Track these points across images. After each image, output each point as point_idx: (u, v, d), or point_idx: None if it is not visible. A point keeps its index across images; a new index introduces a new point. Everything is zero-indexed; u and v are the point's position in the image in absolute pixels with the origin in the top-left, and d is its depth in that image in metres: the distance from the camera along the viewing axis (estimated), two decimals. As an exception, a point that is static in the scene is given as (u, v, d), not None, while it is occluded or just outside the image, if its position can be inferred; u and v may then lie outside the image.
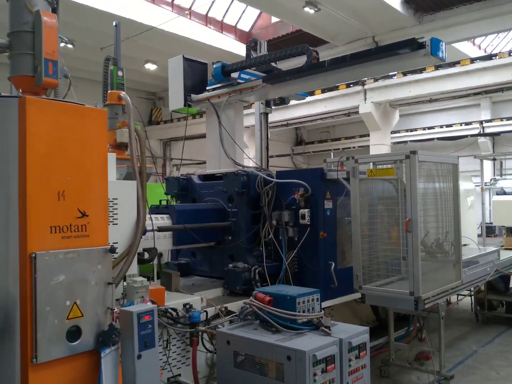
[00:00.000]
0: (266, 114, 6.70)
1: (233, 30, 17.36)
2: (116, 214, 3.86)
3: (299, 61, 5.75)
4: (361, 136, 20.35)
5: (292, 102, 18.05)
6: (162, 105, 22.44)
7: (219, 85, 6.06)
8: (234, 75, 5.88)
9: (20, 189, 2.49)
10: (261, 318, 3.91)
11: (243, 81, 5.83)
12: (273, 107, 6.83)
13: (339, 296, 5.43)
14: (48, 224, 2.54)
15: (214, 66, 5.95)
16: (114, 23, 6.31)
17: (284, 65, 6.52)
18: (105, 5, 13.28)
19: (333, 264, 5.27)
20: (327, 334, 3.68)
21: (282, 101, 6.80)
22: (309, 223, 5.23)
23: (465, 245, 6.42)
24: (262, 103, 6.62)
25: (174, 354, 4.20)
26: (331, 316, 5.51)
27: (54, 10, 2.97)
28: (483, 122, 18.44)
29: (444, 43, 4.58)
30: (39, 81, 2.73)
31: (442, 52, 4.55)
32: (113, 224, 3.77)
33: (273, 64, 6.06)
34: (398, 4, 14.00)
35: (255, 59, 5.82)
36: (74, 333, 2.65)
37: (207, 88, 6.23)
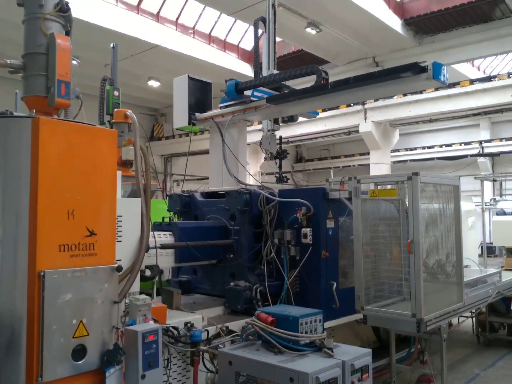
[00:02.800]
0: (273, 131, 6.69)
1: (235, 49, 17.62)
2: (121, 231, 3.86)
3: (304, 79, 5.91)
4: (361, 154, 20.47)
5: (293, 120, 18.15)
6: (164, 121, 22.63)
7: (231, 102, 6.07)
8: (247, 92, 5.90)
9: (30, 208, 2.52)
10: (263, 339, 3.90)
11: (256, 99, 5.83)
12: (281, 124, 6.81)
13: (340, 317, 5.41)
14: (57, 243, 2.57)
15: (227, 83, 5.98)
16: (111, 45, 6.50)
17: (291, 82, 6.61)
18: (110, 23, 13.51)
19: (335, 284, 5.27)
20: (329, 356, 3.67)
21: (291, 119, 6.82)
22: (311, 242, 5.25)
23: (466, 266, 6.42)
24: (270, 120, 6.61)
25: (174, 373, 4.17)
26: (332, 336, 5.49)
27: (68, 33, 3.05)
28: (483, 142, 18.58)
29: (445, 67, 4.67)
30: (52, 101, 2.79)
31: (444, 76, 4.64)
32: (117, 241, 3.78)
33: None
34: (399, 26, 14.26)
35: (267, 78, 5.84)
36: (79, 352, 2.65)
37: (219, 105, 6.25)
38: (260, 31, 6.77)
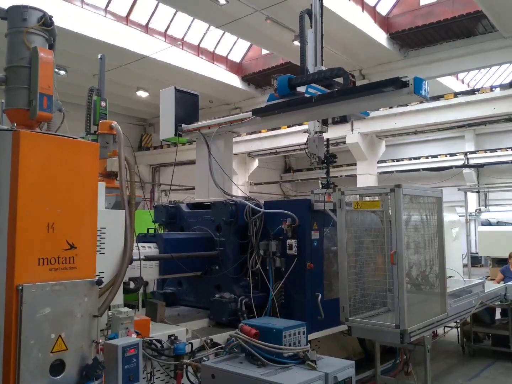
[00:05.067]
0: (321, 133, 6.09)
1: (224, 60, 17.75)
2: (104, 243, 3.86)
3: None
4: (348, 165, 20.65)
5: (281, 131, 18.34)
6: (153, 131, 22.63)
7: (280, 100, 5.53)
8: (300, 89, 5.40)
9: (10, 221, 2.51)
10: (247, 351, 3.88)
11: (309, 95, 5.27)
12: (330, 125, 6.26)
13: (326, 328, 5.42)
14: (36, 256, 2.56)
15: (278, 79, 5.46)
16: (99, 56, 6.48)
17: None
18: (99, 33, 13.55)
19: (320, 295, 5.28)
20: (313, 368, 3.66)
21: (343, 119, 6.19)
22: (296, 253, 5.26)
23: (450, 277, 6.49)
24: (318, 121, 6.07)
25: (158, 387, 4.13)
26: (318, 348, 5.50)
27: (51, 46, 3.06)
28: (468, 153, 18.89)
29: (427, 82, 4.76)
30: (34, 114, 2.79)
31: (425, 90, 4.72)
32: (100, 253, 3.76)
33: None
34: (384, 40, 14.52)
35: (317, 74, 5.40)
36: (57, 367, 2.62)
37: (266, 103, 5.69)
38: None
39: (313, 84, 5.31)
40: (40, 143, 2.59)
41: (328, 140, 6.15)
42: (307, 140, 6.14)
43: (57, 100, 3.04)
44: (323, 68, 5.71)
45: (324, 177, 5.92)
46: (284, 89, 5.39)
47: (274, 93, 5.52)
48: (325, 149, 6.04)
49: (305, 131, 6.37)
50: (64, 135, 2.76)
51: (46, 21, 2.99)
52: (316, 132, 6.07)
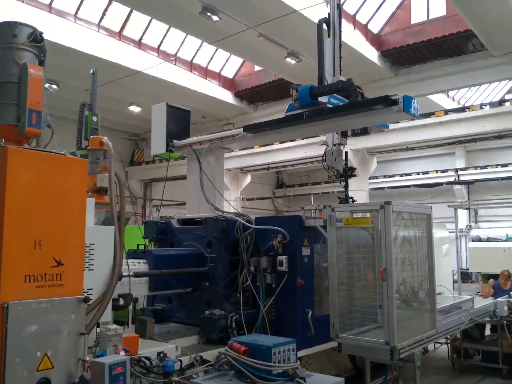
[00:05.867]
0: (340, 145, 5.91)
1: (217, 76, 17.89)
2: (92, 259, 3.83)
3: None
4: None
5: (274, 146, 18.39)
6: (145, 146, 22.61)
7: (300, 110, 5.31)
8: (322, 99, 5.23)
9: (-4, 237, 2.49)
10: (236, 369, 3.84)
11: (331, 106, 5.14)
12: (350, 136, 6.07)
13: (316, 345, 5.39)
14: (22, 273, 2.53)
15: (299, 88, 5.28)
16: (91, 71, 6.49)
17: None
18: (92, 48, 13.63)
19: (310, 312, 5.26)
20: (302, 385, 3.64)
21: (364, 131, 6.01)
22: (286, 270, 5.26)
23: (440, 293, 6.50)
24: (337, 133, 5.87)
25: (146, 405, 4.06)
26: (309, 364, 5.45)
27: (41, 63, 3.08)
28: (458, 170, 19.08)
29: (416, 100, 4.84)
30: (22, 130, 2.79)
31: (414, 108, 4.80)
32: (88, 270, 3.73)
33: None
34: (376, 57, 14.74)
35: (337, 84, 5.28)
36: (43, 386, 2.58)
37: (285, 114, 5.48)
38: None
39: (335, 94, 5.18)
40: (28, 160, 2.59)
41: (346, 153, 5.97)
42: (324, 153, 5.94)
43: (46, 116, 3.04)
44: (342, 78, 5.56)
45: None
46: (305, 98, 5.20)
47: (293, 103, 5.32)
48: (343, 162, 5.83)
49: (323, 143, 6.15)
50: (53, 151, 2.76)
51: (36, 37, 3.01)
52: (334, 145, 5.88)
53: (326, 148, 5.99)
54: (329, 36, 5.86)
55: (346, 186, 5.97)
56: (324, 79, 5.54)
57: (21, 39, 2.98)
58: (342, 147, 5.87)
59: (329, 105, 5.12)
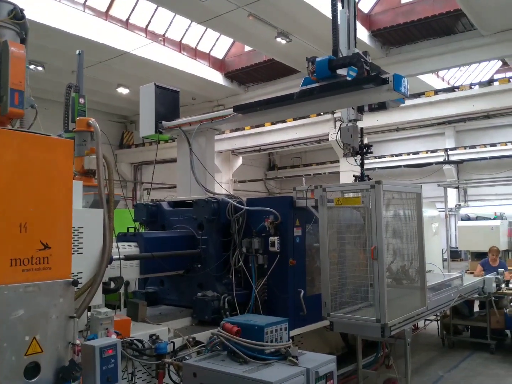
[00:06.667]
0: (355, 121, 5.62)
1: (207, 57, 17.62)
2: (82, 243, 3.79)
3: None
4: (331, 162, 20.75)
5: (265, 128, 18.30)
6: (134, 128, 22.37)
7: (316, 84, 4.99)
8: (341, 71, 4.90)
9: (-20, 221, 2.43)
10: (228, 349, 3.86)
11: (350, 79, 4.84)
12: (366, 112, 5.79)
13: (308, 324, 5.44)
14: (8, 257, 2.48)
15: (316, 61, 4.96)
16: (77, 52, 6.31)
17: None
18: (78, 29, 13.31)
19: (302, 292, 5.29)
20: (294, 364, 3.66)
21: (382, 105, 5.70)
22: (278, 250, 5.26)
23: (429, 271, 6.57)
24: (353, 108, 5.59)
25: (139, 387, 4.08)
26: (301, 344, 5.51)
27: (23, 41, 2.97)
28: (448, 150, 19.15)
29: (406, 79, 4.79)
30: (4, 111, 2.71)
31: (404, 87, 4.75)
32: (78, 253, 3.70)
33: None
34: (366, 37, 14.60)
35: (353, 57, 4.95)
36: (32, 370, 2.56)
37: (301, 88, 5.13)
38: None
39: (353, 67, 4.85)
40: (11, 140, 2.51)
41: (362, 129, 5.70)
42: (339, 129, 5.69)
43: (29, 96, 2.95)
44: (357, 50, 5.34)
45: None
46: (324, 71, 4.89)
47: (310, 76, 5.01)
48: (359, 139, 5.56)
49: (338, 119, 5.99)
50: (37, 132, 2.68)
51: (17, 14, 2.91)
52: (350, 121, 5.61)
53: (341, 124, 5.75)
54: (343, 7, 5.65)
55: (361, 164, 5.74)
56: (339, 51, 5.26)
57: (1, 16, 2.87)
58: (357, 123, 5.61)
59: (348, 78, 4.83)
